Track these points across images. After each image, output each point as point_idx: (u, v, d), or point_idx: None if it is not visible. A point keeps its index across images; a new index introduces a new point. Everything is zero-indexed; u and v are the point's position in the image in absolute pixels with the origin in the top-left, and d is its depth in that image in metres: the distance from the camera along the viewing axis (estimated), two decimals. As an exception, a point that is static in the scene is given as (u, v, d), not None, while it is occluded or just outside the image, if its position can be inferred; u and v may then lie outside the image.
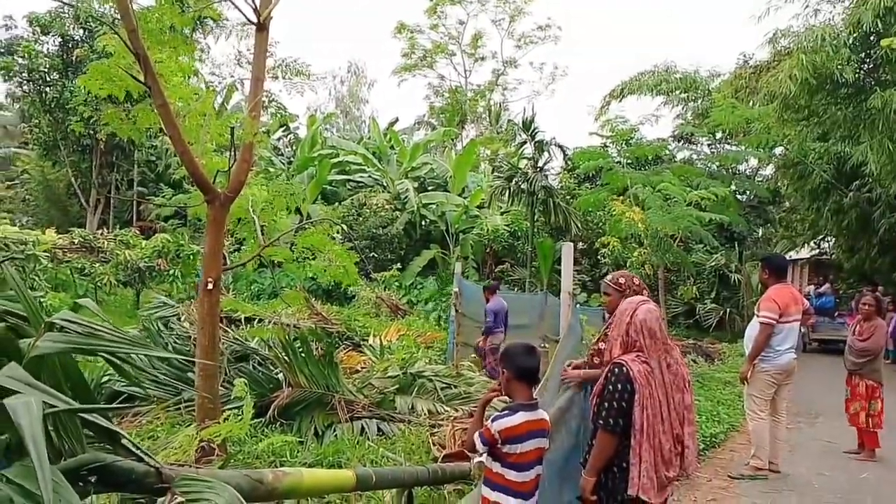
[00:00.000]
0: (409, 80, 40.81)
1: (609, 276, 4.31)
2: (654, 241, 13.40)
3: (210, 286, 4.94)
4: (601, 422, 3.06)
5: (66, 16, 22.22)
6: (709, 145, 24.43)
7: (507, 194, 19.40)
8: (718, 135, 22.10)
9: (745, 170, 23.84)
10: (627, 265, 14.46)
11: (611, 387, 3.05)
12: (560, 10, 70.57)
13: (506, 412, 2.92)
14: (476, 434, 2.93)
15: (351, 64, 48.31)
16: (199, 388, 4.91)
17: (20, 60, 22.48)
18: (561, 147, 19.80)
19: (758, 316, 6.22)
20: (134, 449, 2.06)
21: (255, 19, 4.86)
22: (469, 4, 38.87)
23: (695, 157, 22.47)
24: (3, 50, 22.50)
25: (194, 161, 4.65)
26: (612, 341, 3.23)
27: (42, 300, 8.32)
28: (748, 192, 22.79)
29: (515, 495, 2.89)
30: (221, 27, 26.50)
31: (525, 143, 19.97)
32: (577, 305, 9.12)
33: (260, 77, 5.07)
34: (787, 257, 20.46)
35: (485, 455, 2.98)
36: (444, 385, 7.94)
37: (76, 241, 17.89)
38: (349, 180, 27.99)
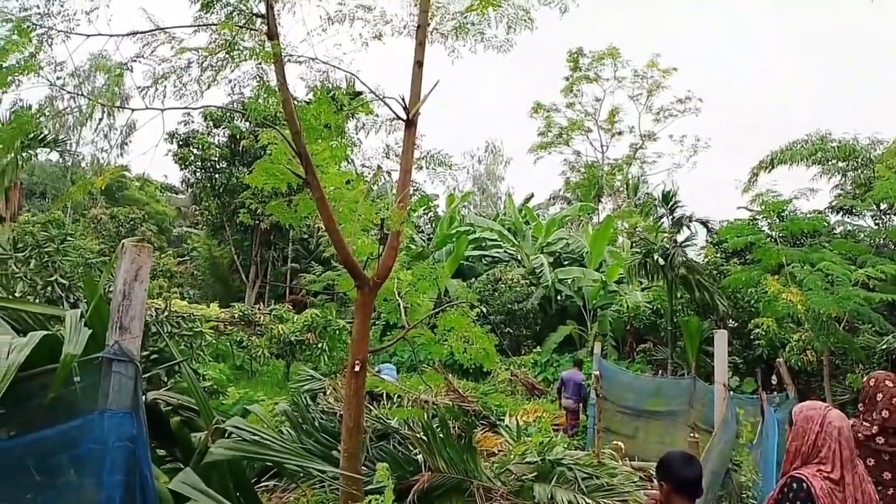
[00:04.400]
0: (545, 156, 41.30)
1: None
2: (815, 323, 12.27)
3: (357, 368, 5.10)
4: None
5: (236, 111, 24.87)
6: (873, 217, 22.36)
7: (643, 270, 18.74)
8: (884, 206, 20.20)
9: (917, 243, 21.48)
10: (787, 349, 13.27)
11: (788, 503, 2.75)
12: (701, 82, 69.08)
13: None
14: None
15: (488, 143, 49.77)
16: (343, 469, 5.00)
17: (195, 151, 25.33)
18: (703, 222, 18.98)
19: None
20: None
21: (404, 116, 5.16)
22: (605, 82, 39.18)
23: (857, 230, 20.60)
24: (181, 142, 25.46)
25: (347, 250, 4.92)
26: (789, 453, 2.93)
27: (204, 373, 9.00)
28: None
29: None
30: (373, 122, 28.43)
31: (663, 216, 19.35)
32: (731, 393, 8.45)
33: (408, 169, 5.33)
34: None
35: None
36: (585, 475, 7.58)
37: (236, 316, 19.36)
38: (485, 255, 28.40)
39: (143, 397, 2.33)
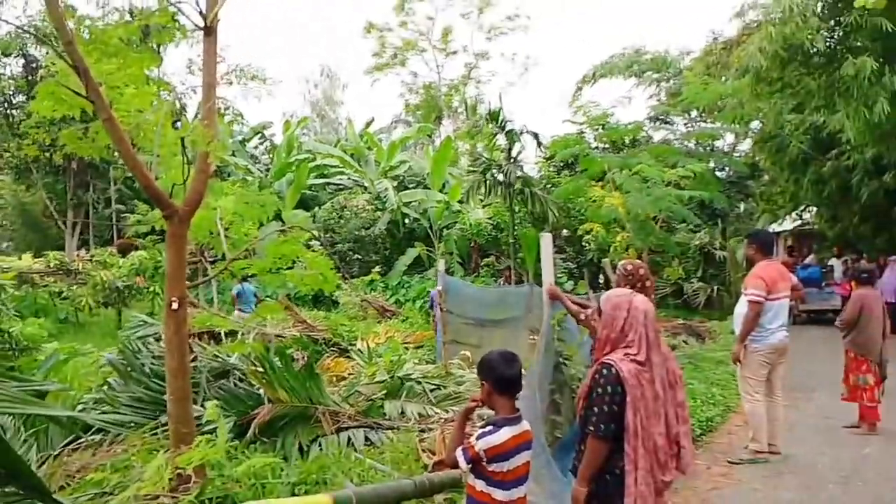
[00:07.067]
0: (383, 79, 40.47)
1: (620, 264, 4.71)
2: (635, 223, 13.25)
3: (175, 306, 4.70)
4: (591, 428, 2.84)
5: (28, 37, 21.73)
6: (684, 124, 24.40)
7: (483, 187, 19.17)
8: (693, 113, 22.05)
9: (723, 146, 23.82)
10: (611, 250, 14.29)
11: (599, 389, 2.84)
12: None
13: (489, 428, 2.71)
14: (459, 451, 2.72)
15: (323, 67, 47.84)
16: (170, 412, 4.68)
17: (-17, 85, 22.03)
18: (534, 135, 19.55)
19: (745, 294, 6.06)
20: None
21: (201, 23, 4.63)
22: (436, -1, 38.66)
23: (671, 136, 22.40)
24: (-33, 76, 22.02)
25: (146, 175, 4.42)
26: (600, 341, 3.02)
27: (10, 329, 8.05)
28: (727, 169, 22.77)
29: None
30: (171, 35, 26.07)
31: (496, 134, 19.69)
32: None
33: (212, 83, 4.82)
34: (771, 229, 20.43)
35: (468, 472, 2.78)
36: (434, 386, 7.76)
37: (52, 265, 17.52)
38: (328, 183, 27.74)
39: None
